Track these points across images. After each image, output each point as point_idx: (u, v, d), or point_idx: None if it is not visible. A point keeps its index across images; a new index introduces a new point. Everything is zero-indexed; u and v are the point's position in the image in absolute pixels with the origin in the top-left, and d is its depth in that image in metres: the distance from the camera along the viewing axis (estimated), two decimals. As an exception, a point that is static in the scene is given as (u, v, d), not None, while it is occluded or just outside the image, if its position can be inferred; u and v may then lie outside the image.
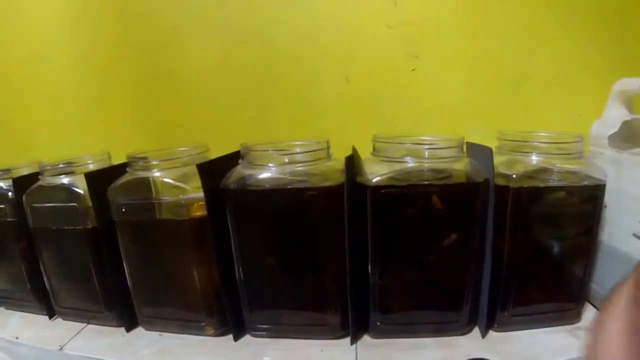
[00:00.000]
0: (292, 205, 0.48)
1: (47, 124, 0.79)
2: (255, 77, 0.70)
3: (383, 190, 0.46)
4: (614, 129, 0.53)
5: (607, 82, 0.58)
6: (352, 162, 0.48)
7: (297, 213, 0.48)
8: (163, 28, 0.70)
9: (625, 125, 0.53)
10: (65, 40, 0.74)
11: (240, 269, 0.50)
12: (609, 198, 0.50)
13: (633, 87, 0.55)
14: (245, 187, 0.49)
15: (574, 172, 0.49)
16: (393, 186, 0.46)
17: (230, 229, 0.49)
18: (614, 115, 0.56)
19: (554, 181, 0.49)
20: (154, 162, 0.52)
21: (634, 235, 0.49)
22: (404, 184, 0.46)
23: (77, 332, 0.57)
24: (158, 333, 0.56)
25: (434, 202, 0.47)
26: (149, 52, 0.72)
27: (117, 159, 0.59)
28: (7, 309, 0.65)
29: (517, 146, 0.51)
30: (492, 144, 0.51)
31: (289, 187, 0.48)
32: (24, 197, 0.56)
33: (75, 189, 0.54)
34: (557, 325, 0.52)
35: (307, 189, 0.48)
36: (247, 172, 0.50)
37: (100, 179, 0.52)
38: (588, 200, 0.49)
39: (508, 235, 0.48)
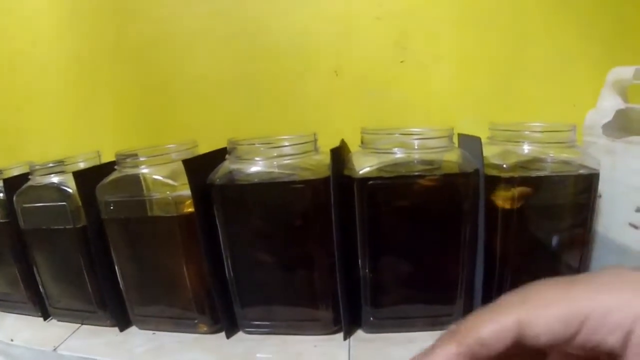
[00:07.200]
0: (278, 199, 0.48)
1: (37, 125, 0.79)
2: (243, 72, 0.69)
3: (370, 182, 0.45)
4: (608, 118, 0.53)
5: (601, 71, 0.57)
6: (339, 155, 0.48)
7: (283, 207, 0.48)
8: (151, 25, 0.70)
9: (619, 114, 0.53)
10: (55, 40, 0.74)
11: (230, 265, 0.50)
12: (604, 187, 0.49)
13: (627, 77, 0.54)
14: (231, 182, 0.48)
15: (567, 162, 0.48)
16: (380, 178, 0.45)
17: (218, 224, 0.49)
18: (608, 105, 0.55)
19: (547, 171, 0.48)
20: (142, 159, 0.51)
21: (630, 224, 0.48)
22: (391, 175, 0.46)
23: (72, 333, 0.57)
24: (152, 331, 0.55)
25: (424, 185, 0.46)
26: (137, 51, 0.72)
27: (108, 159, 0.59)
28: (2, 311, 0.65)
29: (509, 136, 0.51)
30: (484, 135, 0.51)
31: (274, 180, 0.48)
32: (14, 198, 0.56)
33: (65, 188, 0.53)
34: (553, 318, 0.51)
35: (293, 182, 0.47)
36: (234, 166, 0.49)
37: (88, 178, 0.52)
38: (582, 190, 0.48)
39: (500, 227, 0.48)
